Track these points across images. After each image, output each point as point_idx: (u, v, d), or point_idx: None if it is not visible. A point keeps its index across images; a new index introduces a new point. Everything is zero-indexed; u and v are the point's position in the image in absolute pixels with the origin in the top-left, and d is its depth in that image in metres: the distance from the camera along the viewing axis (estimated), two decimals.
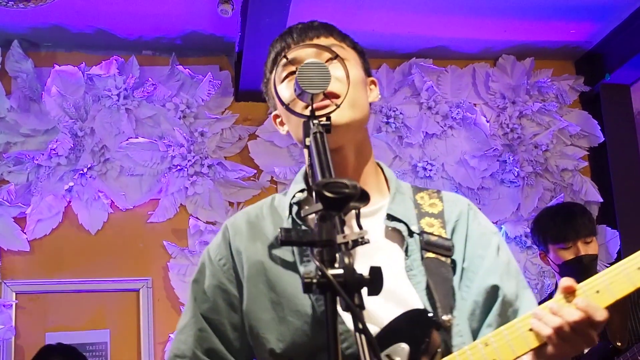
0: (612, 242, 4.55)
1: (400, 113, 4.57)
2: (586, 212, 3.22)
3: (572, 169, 4.72)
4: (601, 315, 1.35)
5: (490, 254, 1.56)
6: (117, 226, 4.24)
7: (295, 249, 1.51)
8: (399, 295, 1.46)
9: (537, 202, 4.59)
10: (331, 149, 1.44)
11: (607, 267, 4.53)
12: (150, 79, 4.34)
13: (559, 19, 4.46)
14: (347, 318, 1.40)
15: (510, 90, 4.75)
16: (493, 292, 1.51)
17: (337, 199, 1.10)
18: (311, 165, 1.29)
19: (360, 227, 1.29)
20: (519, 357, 1.39)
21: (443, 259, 1.52)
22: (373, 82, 1.68)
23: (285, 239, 1.12)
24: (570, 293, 1.39)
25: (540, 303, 3.25)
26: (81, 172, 4.18)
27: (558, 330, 1.35)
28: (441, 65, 4.73)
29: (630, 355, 2.85)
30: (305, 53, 1.54)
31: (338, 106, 1.40)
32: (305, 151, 1.58)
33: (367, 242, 1.14)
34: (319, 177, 1.23)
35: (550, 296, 3.20)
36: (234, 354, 1.55)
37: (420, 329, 1.41)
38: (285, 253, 1.53)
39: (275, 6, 3.66)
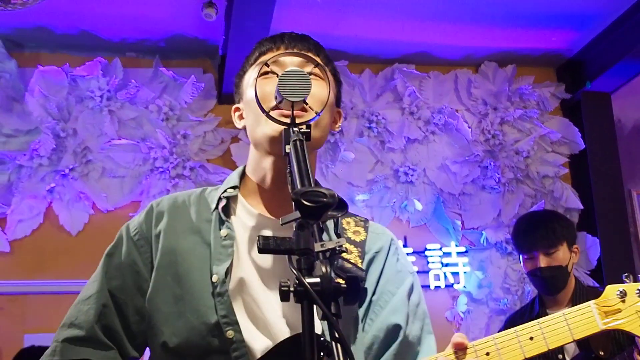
0: (592, 249, 4.58)
1: (383, 118, 4.59)
2: (553, 222, 3.15)
3: (553, 175, 4.76)
4: None
5: (401, 292, 1.55)
6: (98, 227, 4.23)
7: (212, 245, 1.50)
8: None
9: (517, 208, 4.62)
10: (280, 155, 1.40)
11: (588, 274, 4.54)
12: (133, 80, 4.33)
13: (540, 27, 4.50)
14: (244, 328, 1.41)
15: (492, 96, 4.78)
16: (395, 331, 1.50)
17: (315, 207, 1.10)
18: (290, 173, 1.29)
19: (338, 235, 1.30)
20: None
21: None
22: (339, 113, 1.68)
23: (263, 247, 1.12)
24: (461, 350, 1.39)
25: (520, 312, 3.27)
26: (63, 173, 4.17)
27: None
28: (423, 70, 4.75)
29: None
30: (289, 60, 1.54)
31: (318, 114, 1.41)
32: (252, 150, 1.57)
33: (345, 250, 1.14)
34: (298, 185, 1.23)
35: (532, 303, 3.21)
36: (130, 337, 1.53)
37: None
38: (202, 245, 1.52)
39: (259, 10, 3.67)
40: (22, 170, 4.15)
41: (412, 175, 4.56)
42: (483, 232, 4.62)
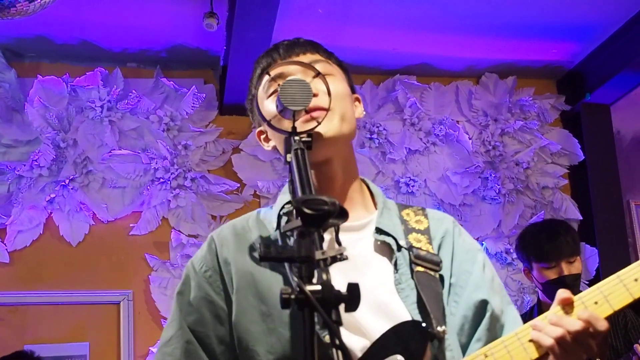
0: (591, 260, 4.58)
1: (384, 129, 4.60)
2: (570, 231, 3.19)
3: (553, 186, 4.77)
4: (602, 325, 1.37)
5: (476, 269, 1.57)
6: (98, 238, 4.22)
7: None
8: (388, 308, 1.45)
9: (517, 219, 4.63)
10: (319, 162, 1.46)
11: (587, 284, 4.56)
12: (134, 91, 4.34)
13: (541, 39, 4.51)
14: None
15: (492, 108, 4.79)
16: (482, 307, 1.52)
17: (316, 215, 1.11)
18: (292, 181, 1.30)
19: (339, 243, 1.30)
20: None
21: (432, 273, 1.52)
22: (357, 99, 1.69)
23: (265, 254, 1.13)
24: (568, 305, 1.40)
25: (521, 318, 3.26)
26: (63, 183, 4.17)
27: (560, 340, 1.36)
28: (425, 82, 4.77)
29: None
30: (291, 69, 1.54)
31: (319, 123, 1.42)
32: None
33: (346, 258, 1.14)
34: (299, 194, 1.24)
35: (531, 311, 3.21)
36: None
37: (415, 341, 1.40)
38: (275, 264, 1.51)
39: (260, 21, 3.68)
40: (22, 181, 4.15)
41: (413, 186, 4.57)
42: (483, 242, 4.62)
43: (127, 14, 4.05)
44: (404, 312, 1.46)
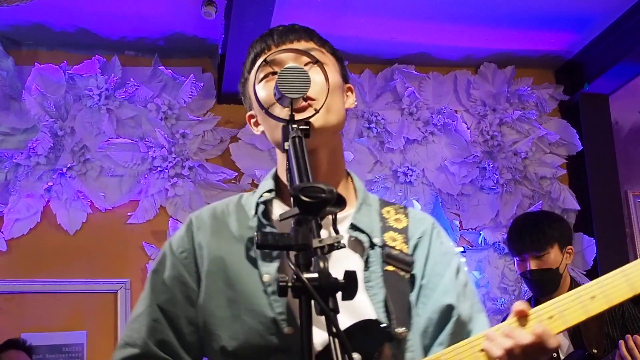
0: (589, 250, 4.59)
1: (382, 118, 4.59)
2: (544, 224, 3.15)
3: (551, 176, 4.77)
4: (553, 342, 1.37)
5: (449, 273, 1.56)
6: (96, 227, 4.22)
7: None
8: (354, 305, 1.40)
9: (515, 209, 4.63)
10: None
11: (584, 274, 4.57)
12: (132, 79, 4.33)
13: (539, 29, 4.50)
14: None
15: (490, 97, 4.79)
16: (448, 311, 1.52)
17: (313, 203, 1.11)
18: (289, 170, 1.29)
19: (336, 231, 1.30)
20: None
21: (402, 273, 1.52)
22: (350, 89, 1.68)
23: (262, 242, 1.13)
24: (523, 317, 1.40)
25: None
26: (60, 171, 4.16)
27: (509, 352, 1.36)
28: (423, 71, 4.76)
29: None
30: (284, 56, 1.54)
31: (317, 111, 1.42)
32: (279, 152, 1.59)
33: (343, 246, 1.14)
34: (297, 182, 1.24)
35: (528, 302, 3.22)
36: (186, 348, 1.53)
37: (373, 340, 1.41)
38: (247, 251, 1.52)
39: (259, 9, 3.67)
40: (19, 169, 4.14)
41: (411, 175, 4.57)
42: (481, 232, 4.63)
43: (125, 2, 4.04)
44: (370, 310, 1.46)
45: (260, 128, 1.63)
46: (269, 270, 1.47)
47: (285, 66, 1.38)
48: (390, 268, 1.51)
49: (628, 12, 4.31)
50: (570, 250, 3.15)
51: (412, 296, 1.53)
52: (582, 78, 4.80)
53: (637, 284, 1.38)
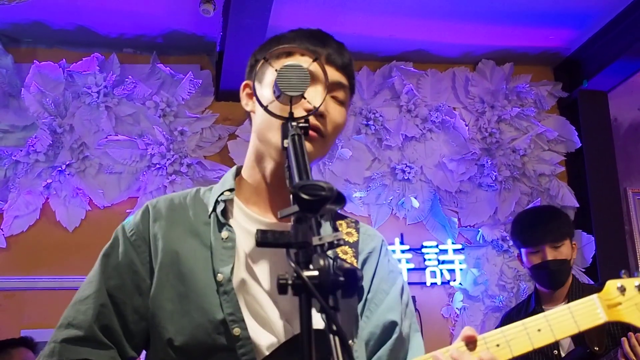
0: (588, 247, 4.59)
1: (380, 115, 4.59)
2: (558, 216, 3.18)
3: (549, 173, 4.77)
4: None
5: (394, 291, 1.58)
6: (94, 224, 4.22)
7: (213, 247, 1.51)
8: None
9: (514, 206, 4.63)
10: (279, 163, 1.47)
11: (583, 272, 4.54)
12: (130, 76, 4.33)
13: (538, 26, 4.51)
14: (249, 325, 1.42)
15: (489, 94, 4.79)
16: (391, 328, 1.53)
17: (313, 201, 1.11)
18: (288, 167, 1.29)
19: (335, 229, 1.30)
20: None
21: None
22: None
23: (262, 240, 1.12)
24: (471, 342, 1.43)
25: (517, 309, 3.27)
26: (59, 169, 4.16)
27: None
28: (421, 68, 4.76)
29: None
30: (317, 71, 1.47)
31: (317, 109, 1.41)
32: (255, 150, 1.57)
33: (343, 244, 1.14)
34: (296, 179, 1.23)
35: (529, 299, 3.22)
36: (128, 337, 1.52)
37: (320, 350, 1.42)
38: (202, 247, 1.52)
39: (257, 7, 3.66)
40: (18, 166, 4.15)
41: (409, 172, 4.57)
42: (479, 229, 4.63)
43: (123, 0, 4.04)
44: (318, 320, 1.47)
45: (252, 106, 1.60)
46: (224, 270, 1.47)
47: (286, 64, 1.38)
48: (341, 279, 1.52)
49: (627, 9, 4.32)
50: (574, 246, 3.16)
51: (359, 309, 1.54)
52: (581, 75, 4.81)
53: (581, 323, 1.44)
